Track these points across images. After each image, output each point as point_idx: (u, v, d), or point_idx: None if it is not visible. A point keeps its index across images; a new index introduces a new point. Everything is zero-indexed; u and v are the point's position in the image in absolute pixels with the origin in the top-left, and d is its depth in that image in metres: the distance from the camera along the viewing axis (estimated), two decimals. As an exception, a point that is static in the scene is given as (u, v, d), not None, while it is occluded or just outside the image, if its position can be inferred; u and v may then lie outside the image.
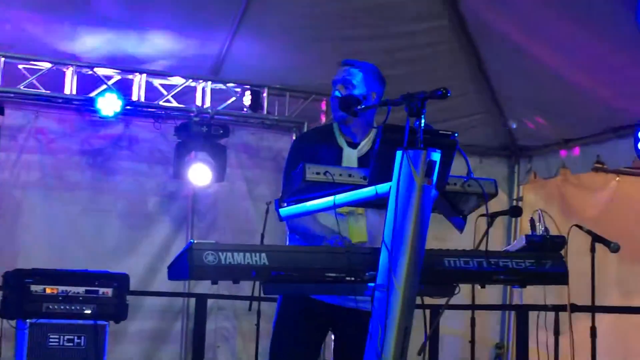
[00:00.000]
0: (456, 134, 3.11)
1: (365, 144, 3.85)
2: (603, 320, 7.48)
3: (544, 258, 3.37)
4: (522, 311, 6.99)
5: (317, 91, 7.80)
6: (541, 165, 8.77)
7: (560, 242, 3.43)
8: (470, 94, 8.13)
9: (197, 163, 7.54)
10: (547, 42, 7.09)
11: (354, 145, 3.86)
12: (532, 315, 6.39)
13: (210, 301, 7.96)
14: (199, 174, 7.58)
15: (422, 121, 2.99)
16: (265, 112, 7.89)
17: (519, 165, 9.01)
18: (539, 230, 3.43)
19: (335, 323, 3.89)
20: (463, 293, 7.10)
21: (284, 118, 7.98)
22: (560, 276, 3.42)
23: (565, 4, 6.58)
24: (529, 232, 3.46)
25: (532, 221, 3.45)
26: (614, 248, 5.62)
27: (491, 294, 8.66)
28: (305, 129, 7.93)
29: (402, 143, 2.96)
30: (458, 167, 3.26)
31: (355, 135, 3.87)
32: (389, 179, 3.00)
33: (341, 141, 3.87)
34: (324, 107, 7.90)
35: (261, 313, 7.30)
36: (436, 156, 2.98)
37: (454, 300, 3.54)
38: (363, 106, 3.64)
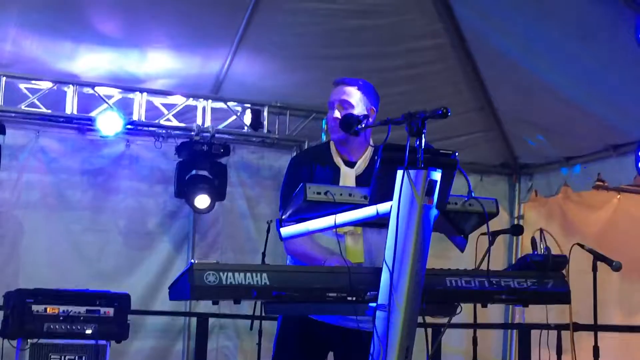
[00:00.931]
0: (456, 153, 3.11)
1: (361, 163, 3.85)
2: (606, 339, 7.47)
3: (545, 277, 3.36)
4: (525, 330, 6.98)
5: (318, 109, 7.81)
6: (542, 183, 8.77)
7: (562, 261, 3.42)
8: (471, 112, 8.14)
9: (198, 194, 7.55)
10: (547, 60, 7.11)
11: (350, 164, 3.86)
12: (535, 334, 6.37)
13: (211, 320, 7.94)
14: (200, 200, 7.60)
15: (423, 140, 2.99)
16: (265, 130, 7.90)
17: (520, 183, 9.00)
18: (541, 249, 3.42)
19: (335, 343, 3.87)
20: (465, 312, 7.10)
21: (285, 136, 7.99)
22: (562, 295, 3.41)
23: (566, 23, 6.60)
24: (531, 251, 3.46)
25: (533, 240, 3.44)
26: (616, 267, 5.61)
27: (493, 312, 8.64)
28: (306, 147, 7.93)
29: (402, 162, 2.96)
30: (459, 186, 3.26)
31: (352, 154, 3.87)
32: (390, 199, 3.00)
33: (338, 160, 3.86)
34: (324, 126, 7.90)
35: (263, 332, 7.26)
36: (437, 175, 2.98)
37: (455, 319, 3.54)
38: (364, 125, 3.63)
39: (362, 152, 3.88)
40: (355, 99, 3.83)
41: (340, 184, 3.75)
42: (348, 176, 3.81)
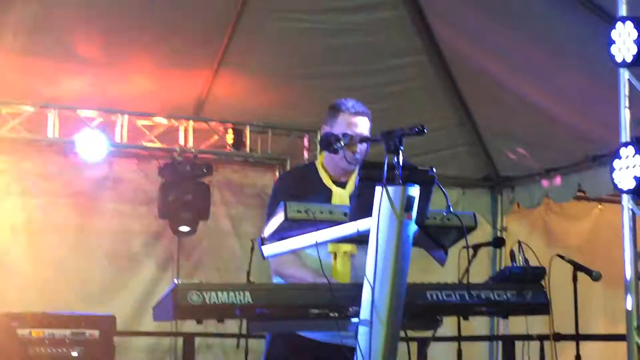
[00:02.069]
0: (434, 169, 3.16)
1: (351, 184, 3.87)
2: (591, 348, 7.53)
3: (525, 289, 3.41)
4: (508, 341, 7.03)
5: (300, 128, 7.87)
6: (524, 195, 8.82)
7: (540, 272, 3.48)
8: (452, 126, 8.22)
9: (181, 225, 7.63)
10: (525, 73, 7.20)
11: (341, 185, 3.89)
12: (520, 345, 6.42)
13: (198, 340, 7.93)
14: (184, 225, 7.67)
15: (400, 157, 3.04)
16: (248, 149, 7.94)
17: (502, 195, 9.06)
18: (519, 261, 3.48)
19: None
20: (450, 325, 7.13)
21: (267, 155, 8.03)
22: (541, 306, 3.47)
23: (542, 38, 6.68)
24: (510, 264, 3.52)
25: (512, 253, 3.51)
26: (596, 277, 5.68)
27: (479, 324, 8.68)
28: (288, 166, 7.97)
29: (381, 179, 3.01)
30: (439, 201, 3.31)
31: (343, 175, 3.91)
32: (370, 215, 3.05)
33: (328, 182, 3.89)
34: (306, 144, 7.96)
35: (249, 350, 7.26)
36: (415, 191, 3.03)
37: (441, 332, 3.58)
38: (343, 143, 3.64)
39: (352, 172, 3.91)
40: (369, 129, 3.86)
41: (334, 203, 3.77)
42: (341, 196, 3.83)
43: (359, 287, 3.11)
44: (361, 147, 3.75)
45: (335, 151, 3.60)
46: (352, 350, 3.12)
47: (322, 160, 3.97)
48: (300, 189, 3.81)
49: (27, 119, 7.25)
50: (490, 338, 8.75)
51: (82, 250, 7.84)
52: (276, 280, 3.87)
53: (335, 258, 3.73)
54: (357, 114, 3.84)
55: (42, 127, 7.29)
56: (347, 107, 3.85)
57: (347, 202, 3.74)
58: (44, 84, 7.28)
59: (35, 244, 7.68)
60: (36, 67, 7.15)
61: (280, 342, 3.84)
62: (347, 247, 3.73)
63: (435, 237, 3.39)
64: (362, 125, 3.83)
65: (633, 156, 4.75)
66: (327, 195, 3.84)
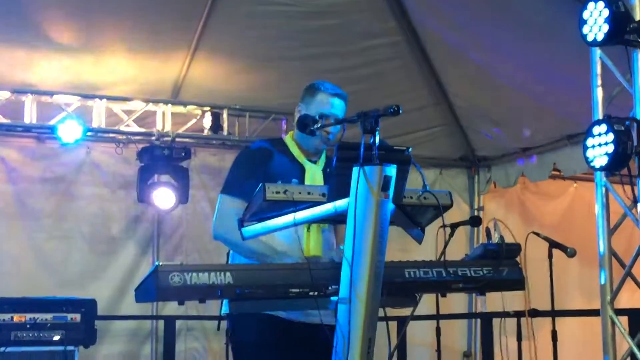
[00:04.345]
0: (410, 149, 3.21)
1: (321, 162, 3.93)
2: (567, 324, 7.63)
3: (500, 265, 3.47)
4: (486, 318, 7.12)
5: (277, 110, 7.90)
6: (500, 175, 8.90)
7: (515, 249, 3.53)
8: (428, 107, 8.26)
9: (160, 187, 7.60)
10: (499, 53, 7.25)
11: (312, 161, 3.92)
12: (497, 322, 6.51)
13: (179, 322, 7.96)
14: (163, 198, 7.63)
15: (377, 138, 3.09)
16: (225, 133, 7.97)
17: (478, 175, 9.14)
18: (495, 238, 3.54)
19: (304, 339, 3.86)
20: (429, 303, 7.20)
21: (245, 138, 8.04)
22: (516, 282, 3.53)
23: (514, 15, 6.71)
24: (486, 241, 3.57)
25: (487, 230, 3.56)
26: (570, 253, 5.77)
27: (458, 303, 8.77)
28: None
29: (358, 160, 3.06)
30: (416, 180, 3.37)
31: (314, 154, 3.94)
32: (347, 195, 3.09)
33: (301, 157, 3.90)
34: (284, 126, 7.98)
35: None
36: (391, 171, 3.08)
37: (419, 311, 3.64)
38: (320, 124, 3.68)
39: (321, 152, 3.96)
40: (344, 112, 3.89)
41: (307, 179, 3.80)
42: (314, 172, 3.85)
43: (338, 265, 3.16)
44: (335, 129, 3.79)
45: (312, 133, 3.63)
46: (332, 328, 3.17)
47: (292, 137, 3.97)
48: (274, 155, 3.83)
49: (3, 105, 7.23)
50: (468, 316, 8.85)
51: (62, 236, 7.85)
52: (236, 258, 3.79)
53: (307, 230, 3.73)
54: (335, 95, 3.87)
55: (19, 113, 7.28)
56: (327, 88, 3.90)
57: (320, 177, 3.82)
58: (19, 70, 7.26)
59: (14, 231, 7.68)
60: (11, 53, 7.12)
61: (252, 323, 3.66)
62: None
63: (412, 215, 3.45)
64: (339, 107, 3.86)
65: (605, 133, 4.81)
66: (299, 170, 3.84)
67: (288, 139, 3.97)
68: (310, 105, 3.88)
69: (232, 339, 3.87)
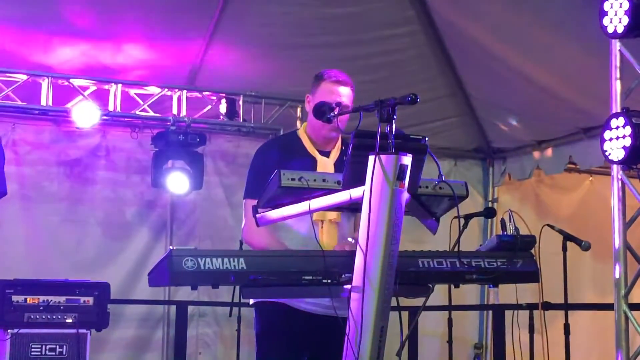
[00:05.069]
0: (426, 138, 3.20)
1: (335, 153, 3.93)
2: (579, 318, 7.60)
3: (515, 257, 3.46)
4: (498, 310, 7.10)
5: (292, 97, 7.88)
6: (515, 167, 8.88)
7: (530, 241, 3.52)
8: (444, 97, 8.23)
9: (175, 172, 7.60)
10: (518, 45, 7.20)
11: (326, 154, 3.92)
12: (509, 314, 6.48)
13: (191, 308, 8.01)
14: (177, 182, 7.63)
15: (393, 126, 3.08)
16: (241, 119, 7.96)
17: (493, 167, 9.11)
18: (510, 230, 3.52)
19: (316, 330, 3.84)
20: (441, 294, 7.19)
21: (260, 125, 8.04)
22: (531, 274, 3.52)
23: (536, 9, 6.68)
24: (500, 233, 3.56)
25: (502, 222, 3.54)
26: (585, 247, 5.74)
27: (470, 294, 8.77)
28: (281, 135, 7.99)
29: (374, 148, 3.05)
30: (431, 170, 3.36)
31: (327, 144, 3.94)
32: (362, 183, 3.09)
33: (313, 151, 3.91)
34: (299, 114, 7.97)
35: (242, 319, 7.37)
36: (407, 160, 3.07)
37: (432, 301, 3.63)
38: (336, 112, 3.67)
39: (336, 142, 3.96)
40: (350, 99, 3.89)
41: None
42: (326, 165, 3.87)
43: (352, 254, 3.16)
44: (343, 117, 3.75)
45: (329, 120, 3.61)
46: (345, 320, 3.17)
47: (305, 129, 3.99)
48: (284, 155, 3.84)
49: (20, 87, 7.25)
50: (480, 307, 8.84)
51: (76, 219, 7.88)
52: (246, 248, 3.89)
53: (322, 227, 3.76)
54: (338, 82, 3.86)
55: (35, 96, 7.29)
56: (330, 76, 3.88)
57: (332, 170, 3.82)
58: (37, 53, 7.27)
59: (29, 213, 7.72)
60: (29, 36, 7.13)
61: (273, 313, 3.79)
62: (333, 215, 3.77)
63: (427, 205, 3.44)
64: (344, 94, 3.84)
65: (623, 127, 4.77)
66: (312, 163, 3.86)
67: (301, 132, 3.99)
68: (316, 95, 3.88)
69: (257, 328, 3.90)
